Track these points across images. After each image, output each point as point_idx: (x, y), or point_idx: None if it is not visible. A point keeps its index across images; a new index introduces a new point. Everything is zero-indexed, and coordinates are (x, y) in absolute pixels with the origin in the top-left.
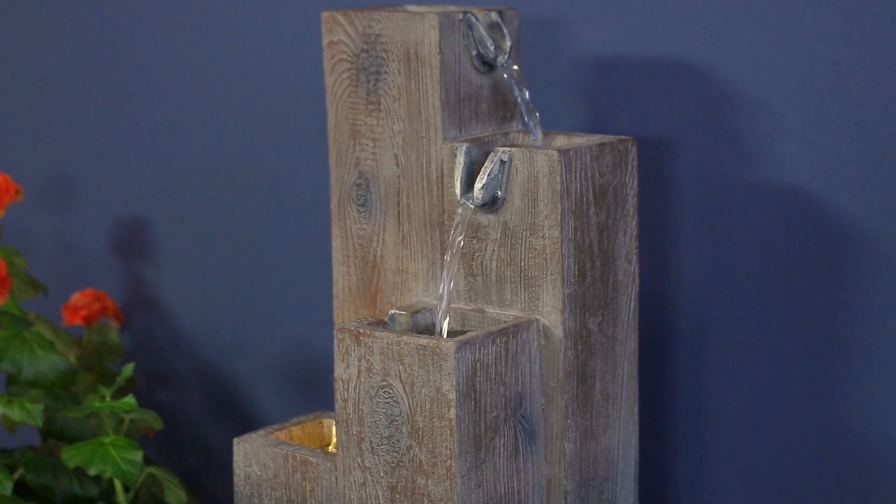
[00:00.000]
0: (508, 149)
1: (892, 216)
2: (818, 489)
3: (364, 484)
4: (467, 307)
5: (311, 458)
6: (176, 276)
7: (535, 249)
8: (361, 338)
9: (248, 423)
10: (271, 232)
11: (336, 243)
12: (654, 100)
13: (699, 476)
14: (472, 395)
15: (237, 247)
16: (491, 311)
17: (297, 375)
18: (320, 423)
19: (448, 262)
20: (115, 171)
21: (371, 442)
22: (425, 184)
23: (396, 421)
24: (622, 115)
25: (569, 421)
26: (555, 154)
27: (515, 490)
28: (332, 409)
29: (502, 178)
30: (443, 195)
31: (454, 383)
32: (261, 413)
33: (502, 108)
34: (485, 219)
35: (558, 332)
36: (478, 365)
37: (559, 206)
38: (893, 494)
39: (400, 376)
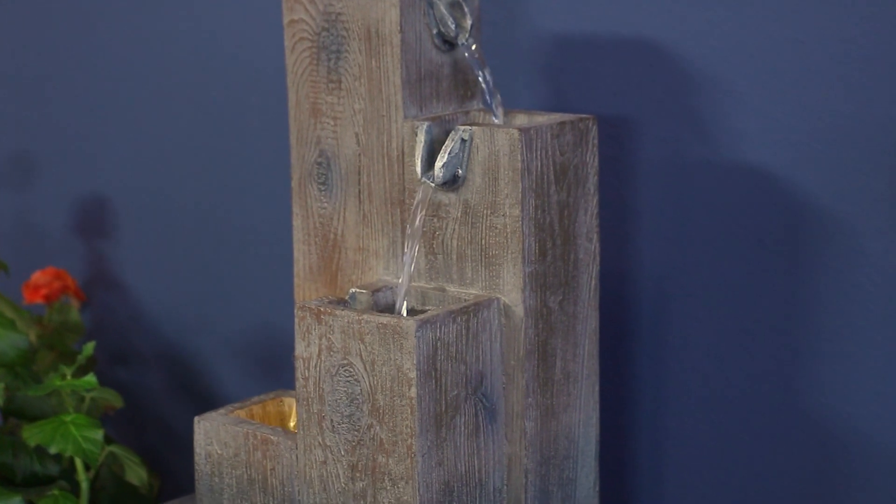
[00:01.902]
0: (469, 127)
1: (854, 195)
2: (778, 467)
3: (325, 462)
4: (428, 286)
5: (272, 437)
6: (137, 255)
7: (496, 228)
8: (322, 316)
9: (209, 401)
10: (232, 210)
11: (297, 222)
12: (614, 78)
13: (660, 454)
14: (433, 373)
15: (198, 225)
16: (452, 289)
17: (258, 354)
18: (281, 401)
19: (409, 240)
20: (75, 149)
21: (332, 420)
22: (386, 162)
23: (357, 399)
24: (583, 94)
25: (529, 399)
26: (515, 133)
27: (476, 468)
28: (293, 387)
29: (463, 156)
30: (403, 174)
31: (415, 362)
32: (222, 392)
33: (463, 86)
34: (445, 197)
35: (519, 310)
36: (438, 343)
37: (520, 184)
38: (854, 473)
39: (361, 355)
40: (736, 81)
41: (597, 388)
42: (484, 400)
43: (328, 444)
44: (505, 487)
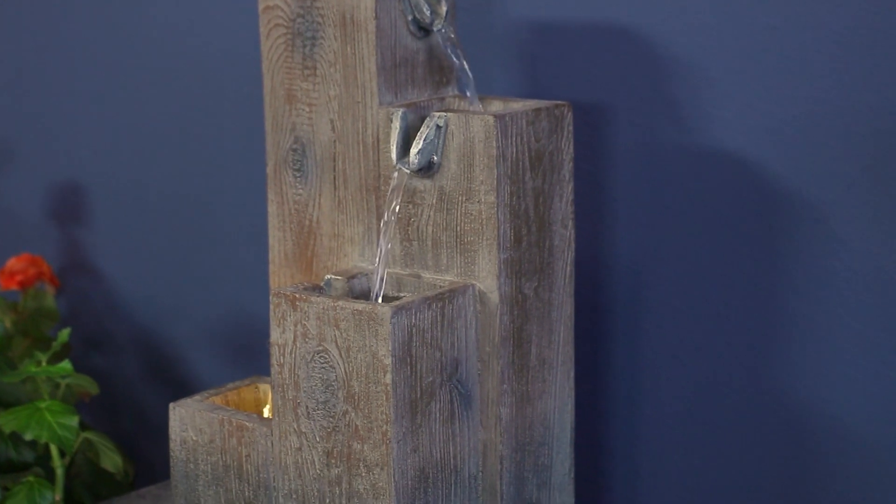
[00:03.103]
0: (444, 114)
1: (828, 181)
2: (752, 451)
3: (300, 449)
4: (403, 272)
5: (247, 423)
6: (112, 242)
7: (471, 214)
8: (297, 303)
9: (184, 388)
10: (208, 197)
11: (272, 208)
12: (589, 65)
13: (635, 441)
14: (408, 360)
15: (173, 212)
16: (427, 276)
17: (233, 340)
18: (256, 388)
19: (384, 227)
20: (50, 135)
21: (307, 407)
22: (361, 149)
23: (332, 386)
24: (558, 80)
25: (504, 386)
26: (490, 119)
27: (451, 455)
28: (268, 374)
29: (438, 143)
30: (378, 160)
31: (390, 348)
32: (197, 378)
33: (438, 73)
34: (421, 184)
35: (494, 297)
36: (413, 330)
37: (495, 171)
38: (826, 456)
39: (336, 341)
40: (711, 68)
41: (572, 374)
42: (459, 386)
43: (303, 430)
44: (480, 474)
